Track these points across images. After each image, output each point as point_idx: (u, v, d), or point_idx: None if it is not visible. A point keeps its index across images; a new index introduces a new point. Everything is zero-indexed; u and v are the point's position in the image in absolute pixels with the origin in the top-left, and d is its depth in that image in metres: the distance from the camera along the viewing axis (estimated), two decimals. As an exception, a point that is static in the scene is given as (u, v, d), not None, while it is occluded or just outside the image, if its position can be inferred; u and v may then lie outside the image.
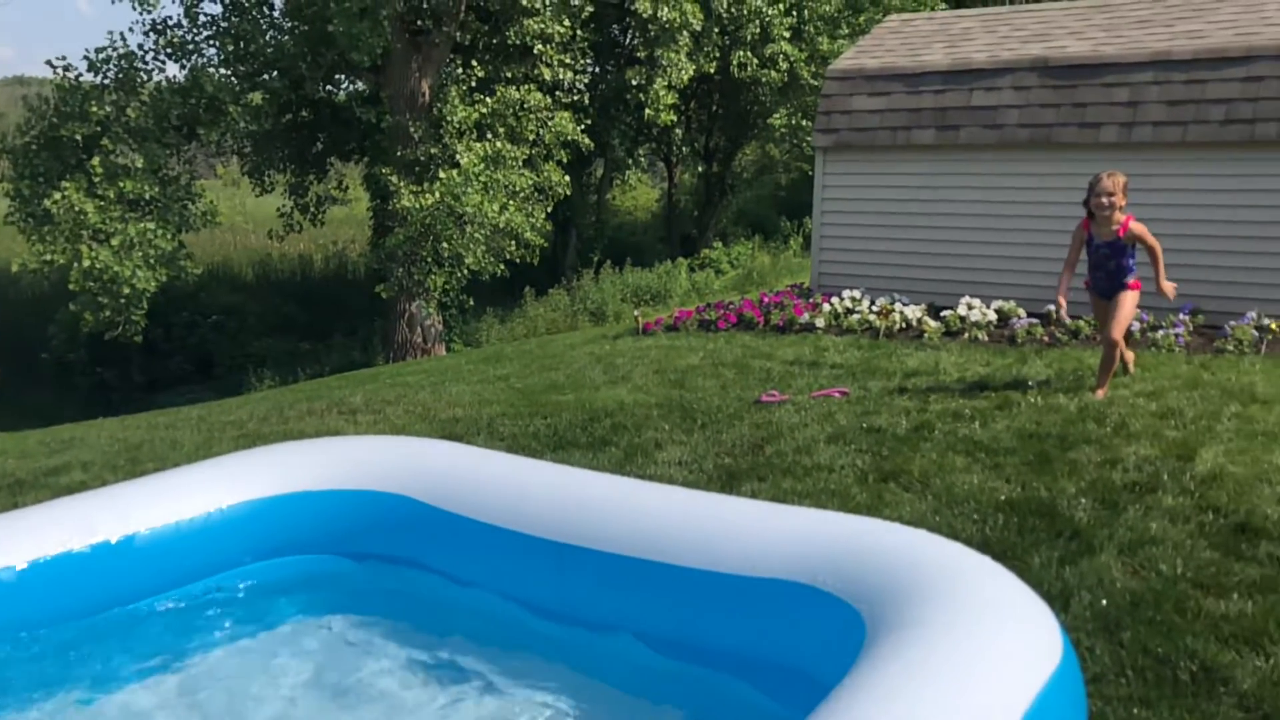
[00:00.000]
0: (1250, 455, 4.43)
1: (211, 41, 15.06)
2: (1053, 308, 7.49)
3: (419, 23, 15.55)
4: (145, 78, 14.35)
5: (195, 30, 14.89)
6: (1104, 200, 5.57)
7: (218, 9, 20.25)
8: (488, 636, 3.33)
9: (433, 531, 3.45)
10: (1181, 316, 7.35)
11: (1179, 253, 7.68)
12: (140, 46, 14.51)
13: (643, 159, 23.20)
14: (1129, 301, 5.68)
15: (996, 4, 23.46)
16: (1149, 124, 7.71)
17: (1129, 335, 7.12)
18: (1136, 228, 5.61)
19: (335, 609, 3.62)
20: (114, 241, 12.80)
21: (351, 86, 17.73)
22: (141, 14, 13.75)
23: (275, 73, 15.33)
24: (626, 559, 2.85)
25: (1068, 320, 6.10)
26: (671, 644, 2.91)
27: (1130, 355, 6.18)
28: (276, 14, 16.00)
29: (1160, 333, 6.98)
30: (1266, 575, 3.24)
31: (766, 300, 9.14)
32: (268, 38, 15.08)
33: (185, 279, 14.40)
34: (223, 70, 15.18)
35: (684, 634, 2.88)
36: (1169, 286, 5.73)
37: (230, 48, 14.95)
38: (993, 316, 7.72)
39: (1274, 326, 7.04)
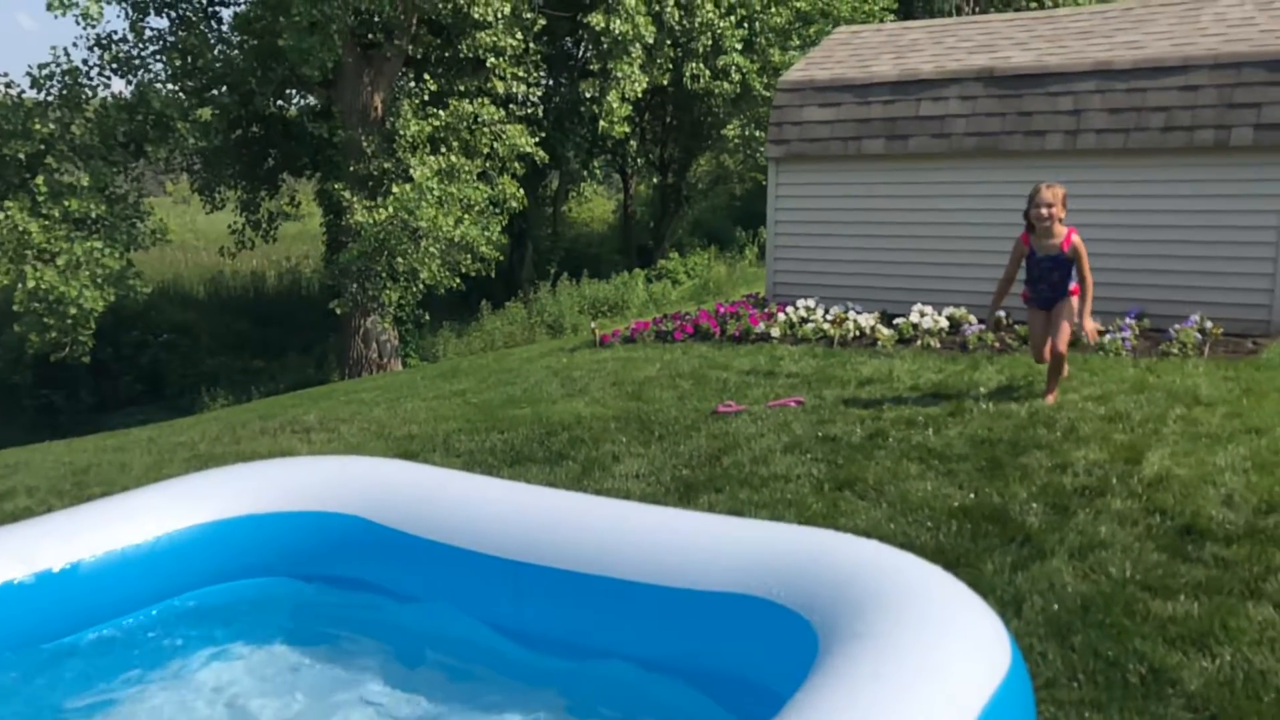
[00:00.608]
0: (1195, 457, 4.52)
1: (158, 57, 14.87)
2: (983, 326, 7.60)
3: (370, 36, 15.47)
4: (90, 94, 14.13)
5: (141, 45, 14.69)
6: (1043, 211, 5.55)
7: (164, 24, 20.00)
8: (444, 656, 3.30)
9: (386, 552, 3.42)
10: (1128, 321, 7.49)
11: (1125, 257, 7.85)
12: (85, 62, 14.29)
13: (598, 171, 23.26)
14: (1069, 309, 5.69)
15: (943, 16, 23.82)
16: (1092, 131, 7.86)
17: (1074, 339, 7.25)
18: (1078, 243, 5.60)
19: (289, 632, 3.57)
20: (60, 261, 12.58)
21: (303, 101, 17.59)
22: (85, 29, 13.54)
23: (224, 88, 15.16)
24: (581, 575, 2.84)
25: (1001, 316, 6.12)
26: (629, 658, 2.90)
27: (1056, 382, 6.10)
28: (225, 28, 15.84)
29: (1108, 337, 7.10)
30: (1211, 576, 3.30)
31: (722, 310, 9.18)
32: (216, 52, 14.91)
33: (134, 298, 14.17)
34: (170, 86, 14.99)
35: (641, 648, 2.88)
36: (1091, 327, 5.71)
37: (178, 63, 14.77)
38: (944, 323, 7.81)
39: (1216, 330, 7.19)
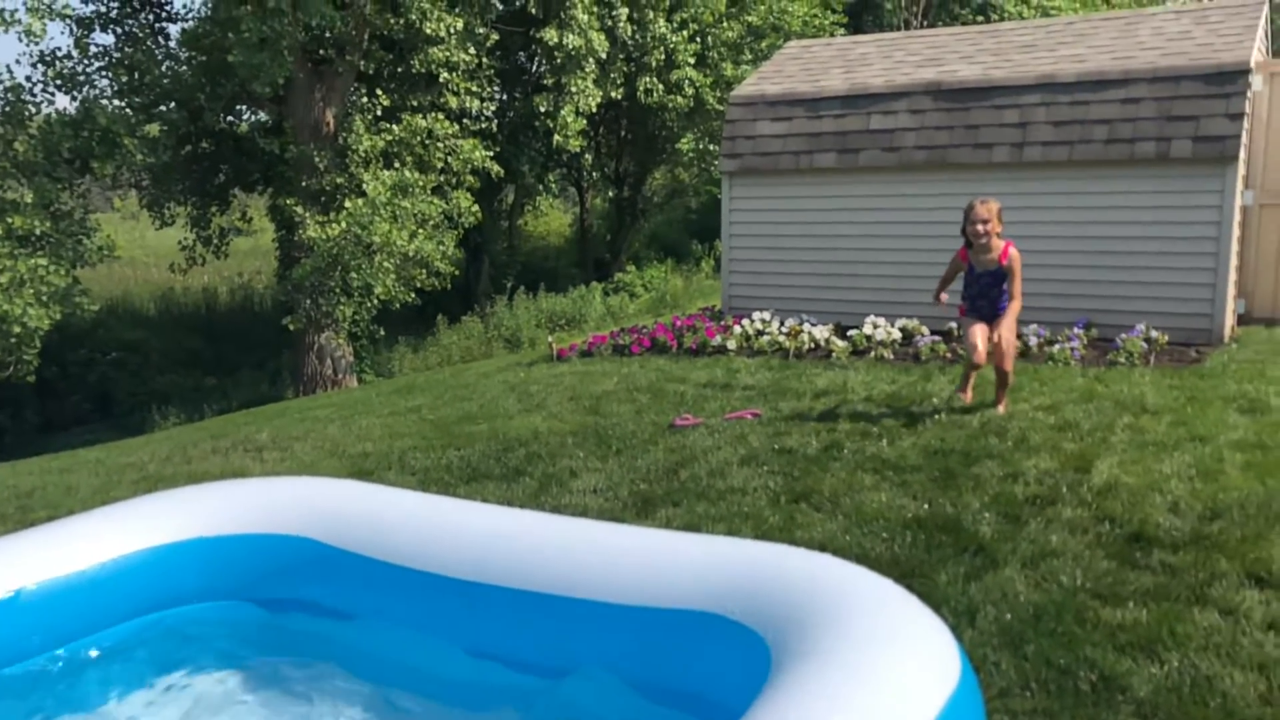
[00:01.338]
0: (1142, 465, 4.60)
1: (104, 73, 14.65)
2: (937, 338, 7.69)
3: (321, 52, 15.37)
4: (34, 110, 13.88)
5: (86, 61, 14.47)
6: (979, 228, 5.52)
7: (110, 40, 19.73)
8: (399, 677, 3.27)
9: (339, 574, 3.38)
10: (1076, 330, 7.61)
11: (1072, 268, 7.99)
12: (28, 78, 14.06)
13: (554, 185, 23.25)
14: (1011, 325, 5.62)
15: (891, 30, 24.16)
16: (1038, 144, 8.00)
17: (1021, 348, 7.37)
18: (1015, 256, 5.56)
19: (240, 657, 3.51)
20: (2, 279, 12.32)
21: (253, 117, 17.43)
22: (29, 45, 13.32)
23: (173, 104, 14.97)
24: (536, 594, 2.82)
25: (944, 301, 6.09)
26: (586, 677, 2.89)
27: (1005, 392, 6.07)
28: (172, 44, 15.66)
29: (1056, 347, 7.21)
30: (1159, 583, 3.35)
31: (679, 323, 9.20)
32: (163, 68, 14.73)
33: (82, 315, 13.92)
34: (116, 102, 14.77)
35: (598, 667, 2.86)
36: (1010, 338, 5.58)
37: (124, 79, 14.57)
38: (897, 335, 7.90)
39: (1161, 339, 7.34)
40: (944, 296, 5.94)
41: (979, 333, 5.65)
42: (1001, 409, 5.77)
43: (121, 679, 3.33)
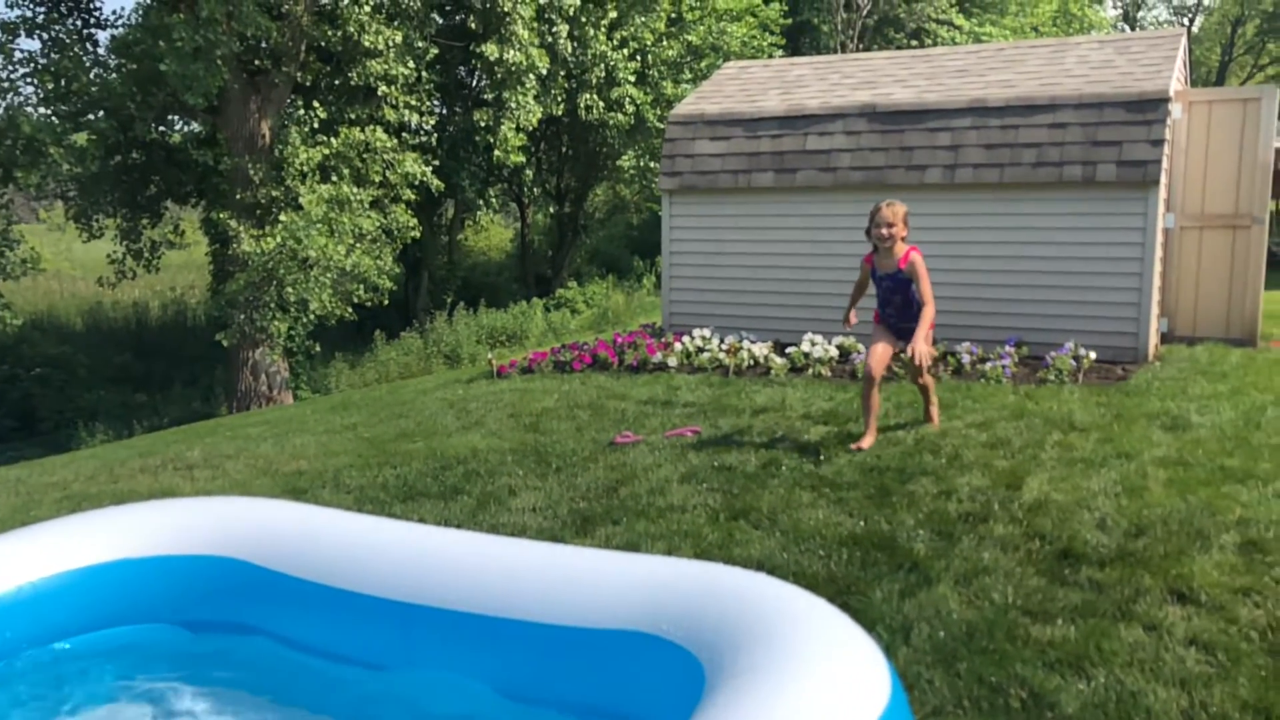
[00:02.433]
0: (1071, 482, 4.70)
1: (29, 79, 14.27)
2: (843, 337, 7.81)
3: (257, 62, 15.16)
4: (-47, 117, 13.50)
5: (10, 68, 14.09)
6: (884, 231, 5.46)
7: (35, 45, 19.25)
8: (330, 699, 3.21)
9: (269, 596, 3.31)
10: (1007, 348, 7.78)
11: (1003, 287, 8.17)
12: (-52, 84, 13.64)
13: (494, 200, 23.20)
14: (923, 331, 5.43)
15: (828, 52, 24.54)
16: (970, 166, 8.18)
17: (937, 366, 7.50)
18: (916, 261, 5.43)
19: (167, 680, 3.43)
20: (-81, 292, 11.93)
21: (187, 127, 17.11)
22: (-51, 51, 12.95)
23: (101, 112, 14.63)
24: (470, 615, 2.80)
25: (853, 323, 5.82)
26: (521, 698, 2.87)
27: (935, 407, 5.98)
28: (102, 51, 15.31)
29: (989, 364, 7.36)
30: (1087, 599, 3.43)
31: (620, 340, 9.21)
32: (92, 76, 14.39)
33: (4, 330, 13.51)
34: (42, 109, 14.40)
35: (533, 688, 2.84)
36: (924, 350, 5.31)
37: (50, 86, 14.20)
38: (835, 352, 7.99)
39: (1089, 357, 7.53)
40: (853, 318, 5.79)
41: (879, 348, 5.60)
42: (934, 424, 5.86)
43: (43, 704, 3.23)
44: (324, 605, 3.17)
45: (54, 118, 14.32)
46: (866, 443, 5.49)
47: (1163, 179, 7.69)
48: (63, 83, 14.24)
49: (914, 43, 26.71)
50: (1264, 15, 44.65)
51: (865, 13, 26.33)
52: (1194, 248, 8.71)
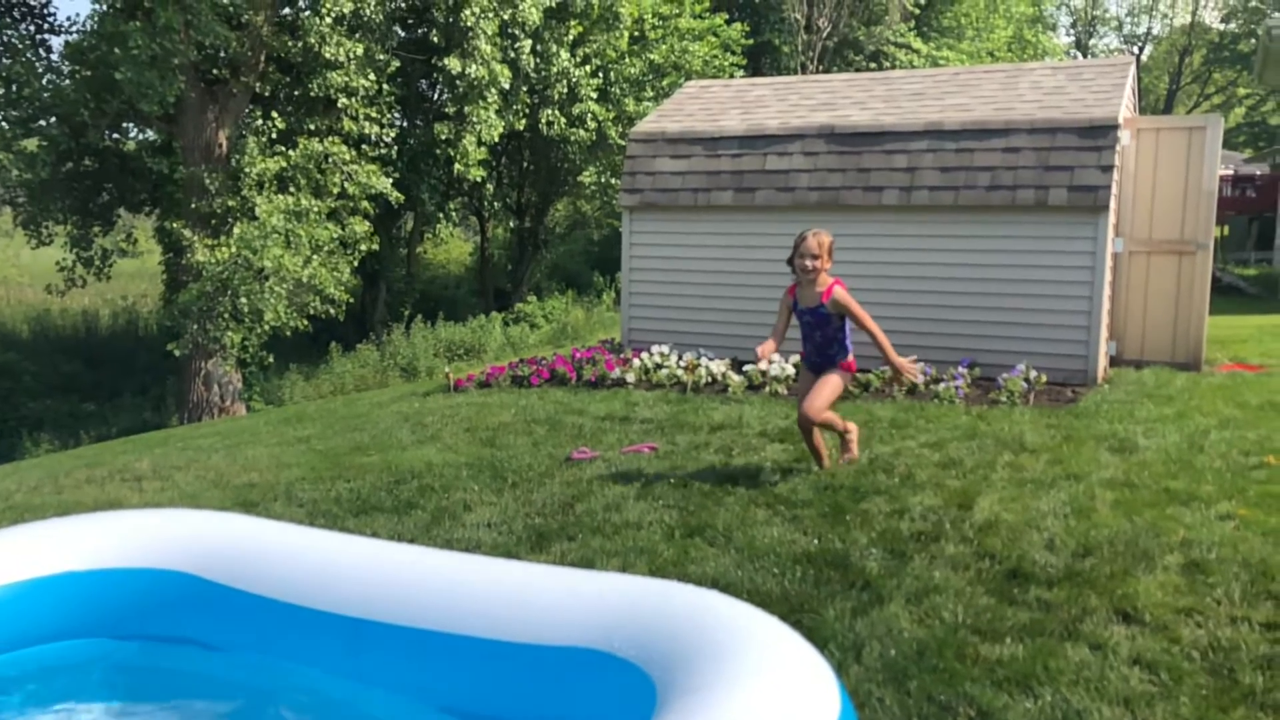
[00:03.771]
0: (1021, 503, 4.77)
1: (-22, 84, 14.02)
2: (760, 364, 7.65)
3: (215, 72, 15.01)
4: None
5: (-40, 72, 13.84)
6: (808, 263, 5.14)
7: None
8: (278, 714, 3.17)
9: (216, 610, 3.27)
10: (960, 370, 7.88)
11: (957, 308, 8.28)
12: (-108, 87, 13.36)
13: (454, 213, 23.13)
14: (833, 381, 5.21)
15: (788, 73, 24.80)
16: (925, 188, 8.29)
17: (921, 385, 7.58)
18: (841, 296, 5.11)
19: (111, 695, 3.37)
20: None
21: (141, 135, 16.88)
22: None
23: (53, 119, 14.39)
24: (420, 631, 2.78)
25: (765, 366, 5.69)
26: (471, 715, 2.85)
27: (853, 434, 5.59)
28: (54, 57, 15.08)
29: (942, 385, 7.45)
30: (1035, 619, 3.48)
31: (579, 355, 9.21)
32: (44, 82, 14.16)
33: (-53, 337, 13.20)
34: (-9, 115, 14.15)
35: (484, 704, 2.83)
36: (905, 364, 5.18)
37: (0, 91, 13.95)
38: (791, 371, 8.04)
39: (1040, 379, 7.65)
40: (772, 346, 5.09)
41: (806, 390, 5.27)
42: (853, 455, 5.53)
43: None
44: (273, 620, 3.13)
45: (3, 123, 14.07)
46: (848, 458, 5.48)
47: (1112, 204, 7.85)
48: (13, 88, 14.00)
49: (873, 65, 27.07)
50: (1210, 45, 45.92)
51: (825, 35, 26.67)
52: (1142, 272, 8.89)
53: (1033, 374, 7.69)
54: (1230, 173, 23.55)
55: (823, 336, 5.25)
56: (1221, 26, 45.42)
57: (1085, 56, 48.37)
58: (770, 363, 8.14)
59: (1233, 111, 45.15)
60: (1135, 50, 48.97)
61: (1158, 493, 4.86)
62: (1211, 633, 3.34)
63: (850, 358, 5.32)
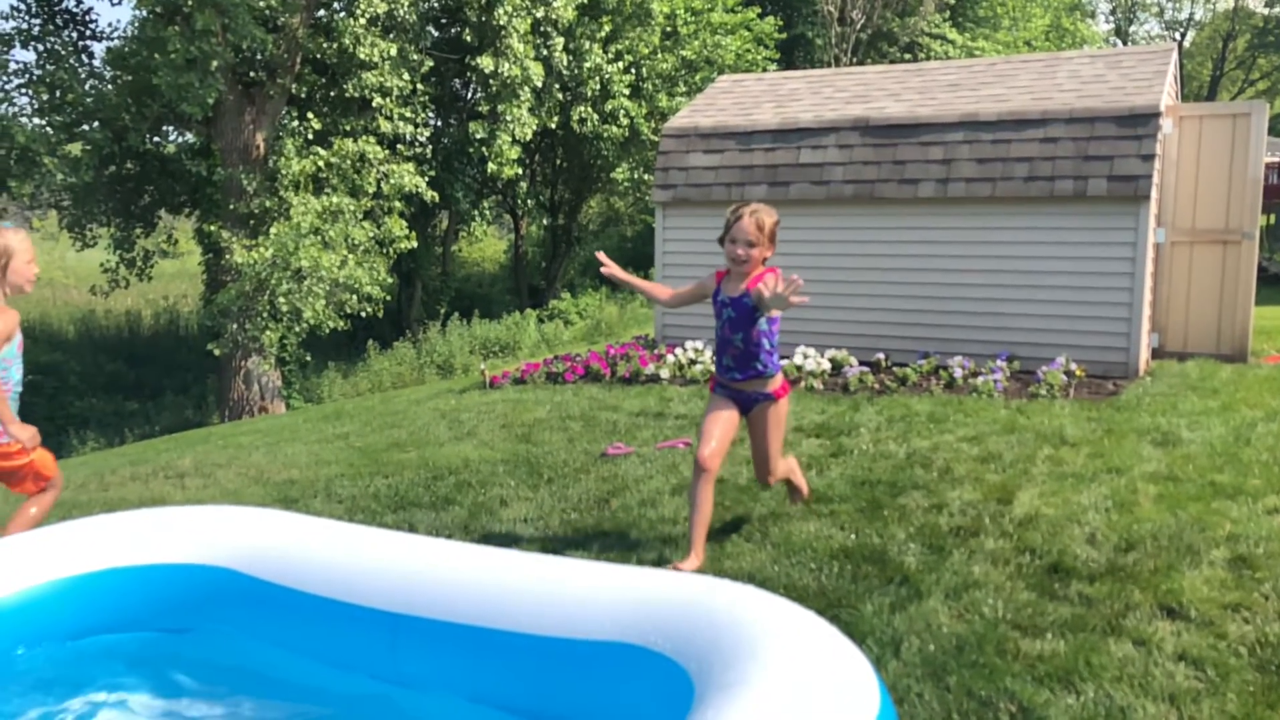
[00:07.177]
0: (1061, 496, 4.71)
1: (23, 90, 14.29)
2: (866, 368, 7.59)
3: (252, 74, 15.19)
4: (-53, 127, 13.49)
5: (5, 79, 14.11)
6: (739, 251, 3.94)
7: (30, 57, 19.30)
8: (319, 710, 3.20)
9: (259, 606, 3.31)
10: (999, 363, 7.80)
11: (995, 301, 8.19)
12: (-58, 94, 13.66)
13: (488, 211, 23.24)
14: (778, 428, 4.15)
15: (821, 66, 24.66)
16: (962, 180, 8.20)
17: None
18: (768, 286, 3.79)
19: (156, 689, 3.41)
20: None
21: (181, 138, 17.13)
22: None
23: (96, 123, 14.65)
24: (459, 626, 2.80)
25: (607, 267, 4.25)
26: (509, 709, 2.86)
27: (800, 481, 4.60)
28: (97, 63, 15.34)
29: (980, 379, 7.38)
30: (1076, 614, 3.43)
31: (613, 352, 9.22)
32: (87, 87, 14.42)
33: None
34: (36, 120, 14.42)
35: (521, 699, 2.84)
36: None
37: (45, 96, 14.22)
38: (827, 365, 8.01)
39: (1080, 372, 7.55)
40: (612, 266, 4.29)
41: (716, 427, 4.02)
42: (802, 496, 4.67)
43: (31, 710, 3.22)
44: (314, 615, 3.16)
45: (48, 128, 14.34)
46: (689, 565, 3.87)
47: (1153, 194, 7.73)
48: (57, 94, 14.27)
49: (907, 57, 26.84)
50: (1255, 30, 45.03)
51: (859, 27, 26.47)
52: (1185, 263, 8.75)
53: (1073, 367, 7.59)
54: (1276, 160, 23.08)
55: (745, 340, 3.98)
56: (1266, 11, 44.52)
57: (1125, 44, 47.63)
58: (806, 357, 8.09)
59: (1278, 98, 44.30)
60: (1177, 36, 48.15)
61: (1202, 486, 4.78)
62: (1259, 628, 3.28)
63: (781, 376, 4.13)
